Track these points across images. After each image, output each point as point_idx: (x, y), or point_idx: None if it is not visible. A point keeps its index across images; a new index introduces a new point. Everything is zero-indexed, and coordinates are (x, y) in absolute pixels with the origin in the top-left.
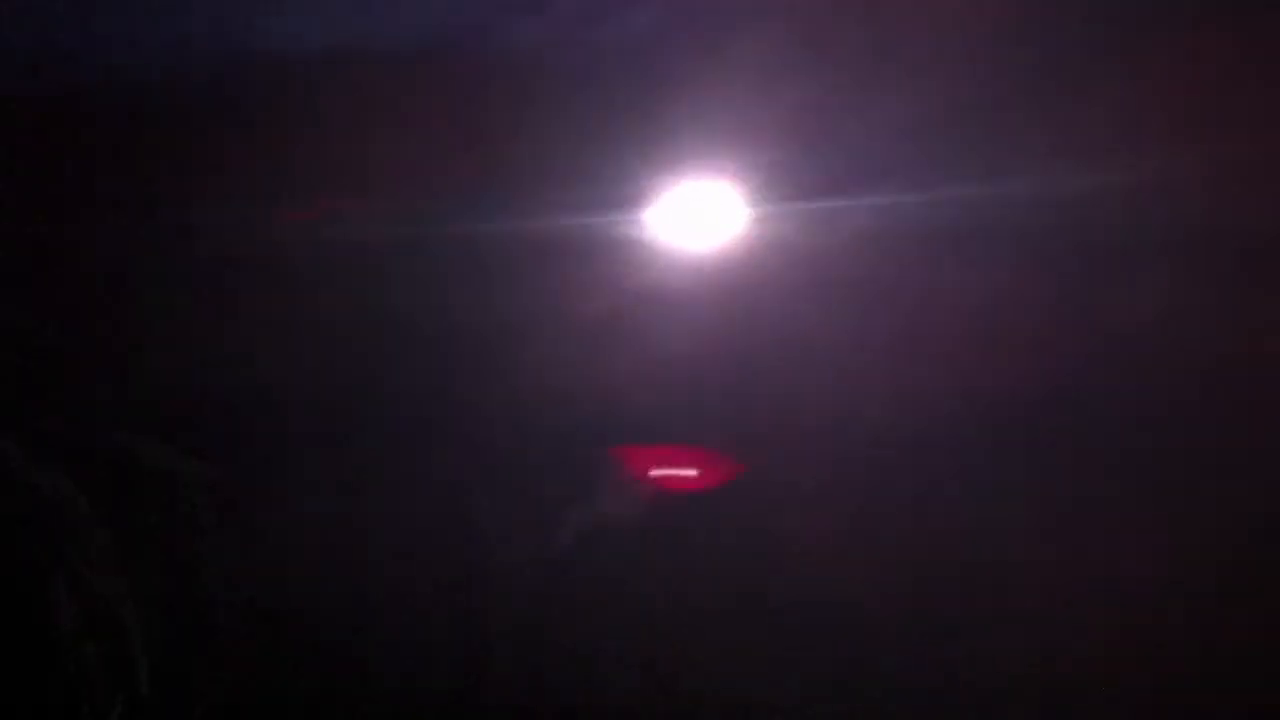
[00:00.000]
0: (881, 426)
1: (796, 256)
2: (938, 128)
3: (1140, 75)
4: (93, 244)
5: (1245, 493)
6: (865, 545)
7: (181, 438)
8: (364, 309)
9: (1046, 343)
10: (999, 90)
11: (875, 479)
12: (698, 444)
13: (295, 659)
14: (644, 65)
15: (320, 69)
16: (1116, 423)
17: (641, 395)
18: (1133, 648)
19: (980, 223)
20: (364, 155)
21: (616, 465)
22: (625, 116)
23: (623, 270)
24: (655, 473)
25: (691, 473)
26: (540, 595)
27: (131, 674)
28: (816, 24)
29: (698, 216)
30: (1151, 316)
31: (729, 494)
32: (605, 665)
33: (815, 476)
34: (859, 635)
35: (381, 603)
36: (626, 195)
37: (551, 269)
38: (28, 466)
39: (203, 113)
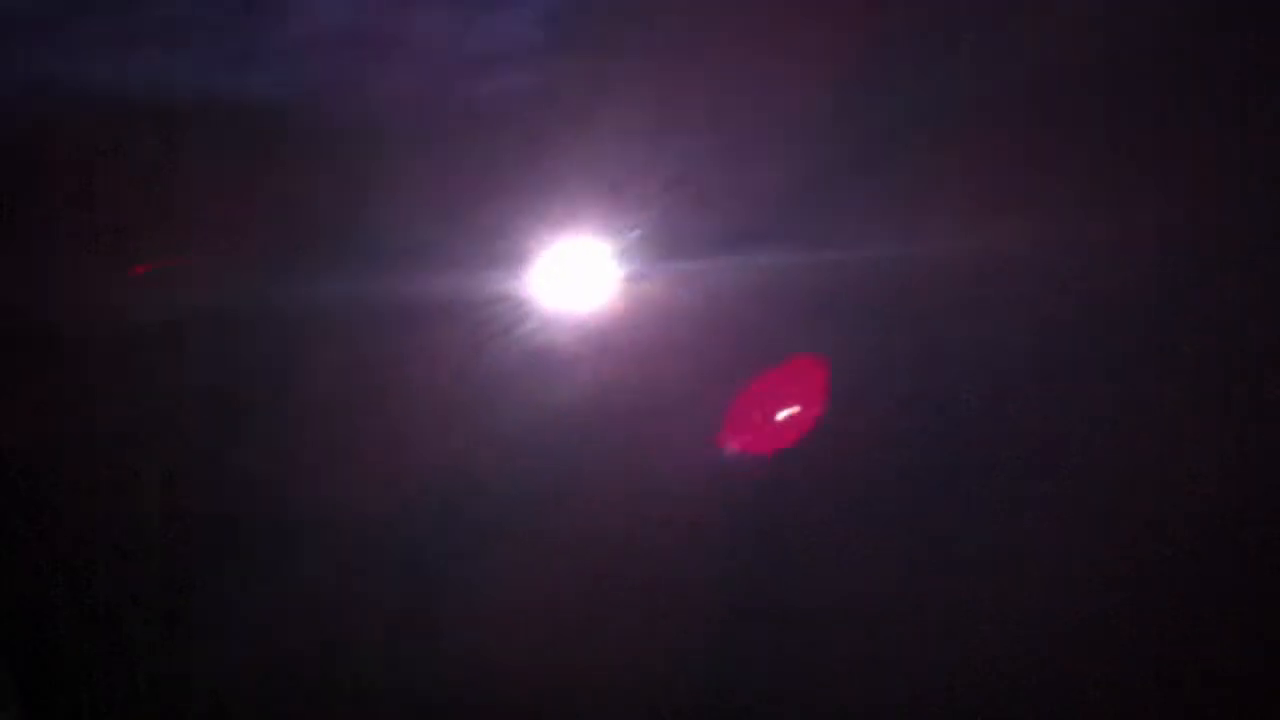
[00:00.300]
0: (760, 485)
1: (672, 317)
2: (814, 190)
3: (1012, 143)
4: None
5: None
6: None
7: None
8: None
9: (921, 401)
10: (872, 153)
11: (749, 540)
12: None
13: None
14: (515, 123)
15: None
16: (992, 472)
17: (503, 467)
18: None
19: (855, 285)
20: (193, 212)
21: None
22: (494, 175)
23: (489, 335)
24: None
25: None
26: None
27: None
28: (694, 83)
29: (570, 278)
30: (1021, 375)
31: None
32: None
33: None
34: None
35: None
36: (497, 256)
37: (412, 334)
38: None
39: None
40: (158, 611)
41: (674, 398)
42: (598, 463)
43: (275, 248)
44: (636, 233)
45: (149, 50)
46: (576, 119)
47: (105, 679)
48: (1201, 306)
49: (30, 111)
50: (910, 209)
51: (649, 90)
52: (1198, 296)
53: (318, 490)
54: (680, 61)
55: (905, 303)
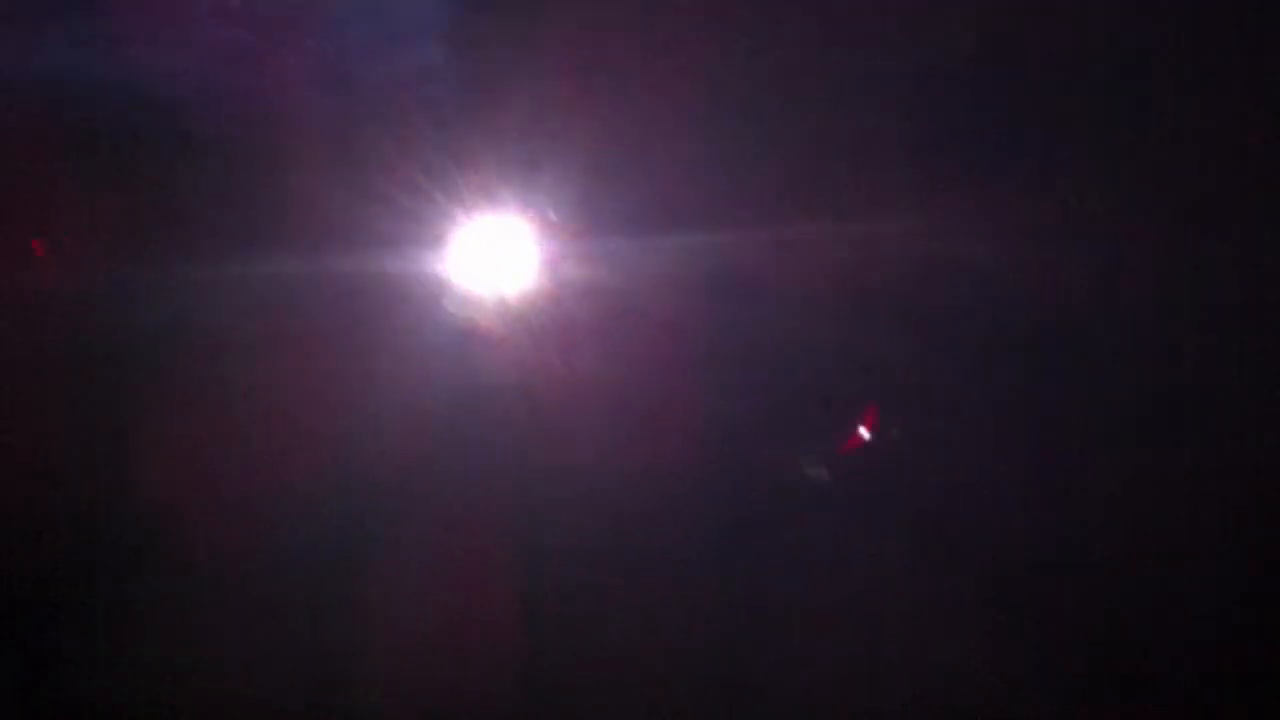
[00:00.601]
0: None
1: (590, 296)
2: (735, 169)
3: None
4: None
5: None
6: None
7: None
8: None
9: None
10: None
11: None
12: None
13: None
14: (436, 99)
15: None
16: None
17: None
18: None
19: (769, 264)
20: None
21: None
22: (416, 151)
23: (411, 316)
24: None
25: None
26: None
27: None
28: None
29: (491, 256)
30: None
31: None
32: None
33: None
34: None
35: None
36: (416, 237)
37: (340, 314)
38: None
39: None
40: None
41: (597, 380)
42: (518, 446)
43: (192, 232)
44: (553, 212)
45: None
46: (490, 98)
47: None
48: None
49: None
50: (835, 187)
51: (566, 67)
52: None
53: (242, 473)
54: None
55: (827, 282)
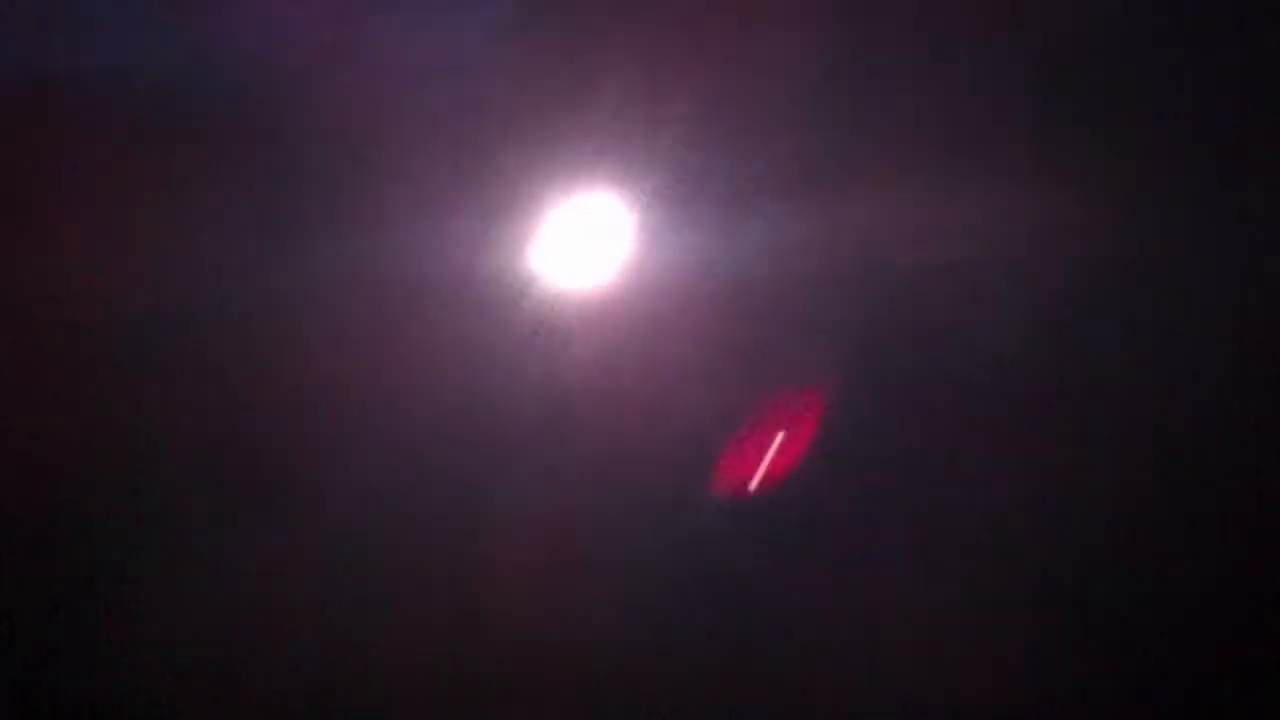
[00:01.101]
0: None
1: (689, 292)
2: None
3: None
4: None
5: None
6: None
7: None
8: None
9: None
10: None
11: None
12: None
13: None
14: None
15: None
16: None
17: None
18: None
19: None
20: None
21: None
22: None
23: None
24: None
25: None
26: None
27: None
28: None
29: (575, 250)
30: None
31: None
32: None
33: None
34: None
35: None
36: (497, 232)
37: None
38: None
39: None
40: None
41: (691, 383)
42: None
43: (271, 232)
44: (645, 199)
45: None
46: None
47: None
48: None
49: None
50: (942, 165)
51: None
52: None
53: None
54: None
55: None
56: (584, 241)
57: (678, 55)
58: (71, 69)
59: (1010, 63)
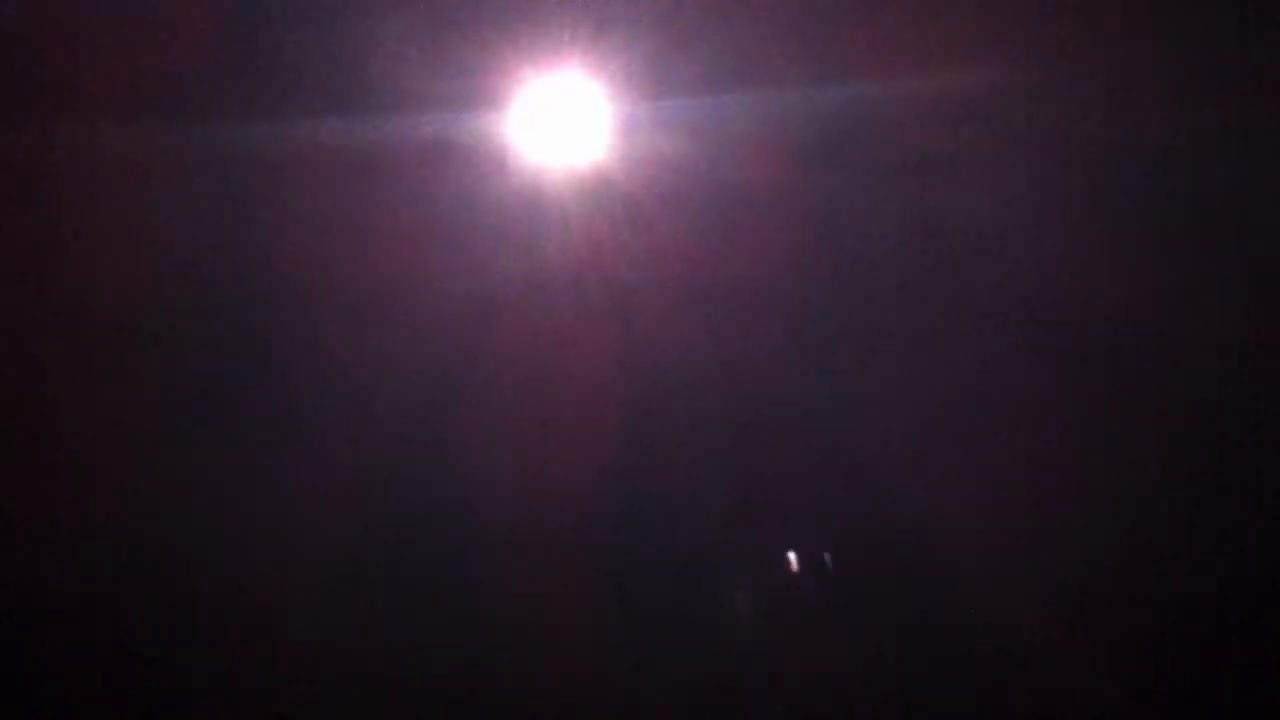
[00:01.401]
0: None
1: (662, 163)
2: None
3: None
4: None
5: None
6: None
7: None
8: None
9: (907, 247)
10: None
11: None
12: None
13: None
14: None
15: None
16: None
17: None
18: None
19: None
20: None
21: None
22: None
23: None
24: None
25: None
26: None
27: None
28: None
29: (553, 119)
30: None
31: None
32: None
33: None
34: None
35: None
36: (483, 98)
37: (393, 178)
38: None
39: None
40: None
41: (668, 255)
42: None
43: (256, 93)
44: (622, 74)
45: None
46: None
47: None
48: None
49: None
50: (908, 46)
51: None
52: None
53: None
54: None
55: (903, 143)
56: (562, 123)
57: None
58: None
59: None
